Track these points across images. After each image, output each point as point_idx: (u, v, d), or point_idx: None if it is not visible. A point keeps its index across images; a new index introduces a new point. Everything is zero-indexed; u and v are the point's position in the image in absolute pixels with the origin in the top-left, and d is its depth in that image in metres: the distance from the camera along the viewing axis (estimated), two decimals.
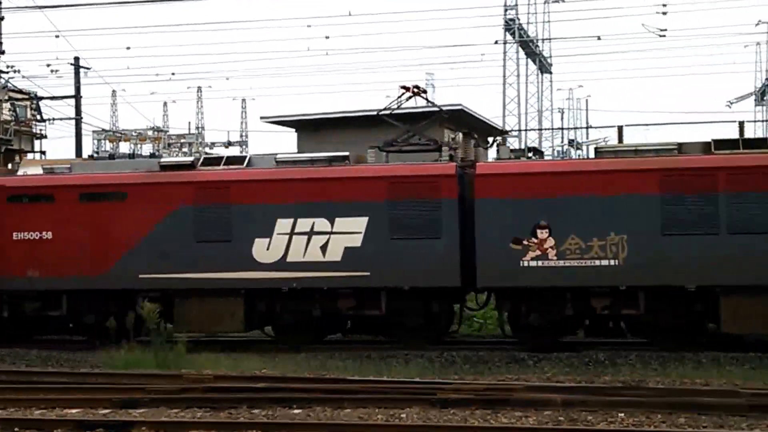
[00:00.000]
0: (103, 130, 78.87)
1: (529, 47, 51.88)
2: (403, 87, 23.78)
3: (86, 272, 22.33)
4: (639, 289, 20.31)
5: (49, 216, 22.64)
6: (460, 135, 36.72)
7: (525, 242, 20.50)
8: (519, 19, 49.77)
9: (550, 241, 20.41)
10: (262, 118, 42.53)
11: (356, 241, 21.22)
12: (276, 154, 22.85)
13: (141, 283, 22.19)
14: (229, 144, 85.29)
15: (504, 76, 50.06)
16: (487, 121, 45.40)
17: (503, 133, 48.18)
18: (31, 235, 22.70)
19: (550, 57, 56.61)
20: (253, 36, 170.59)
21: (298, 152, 38.88)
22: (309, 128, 39.19)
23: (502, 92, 50.12)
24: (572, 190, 20.48)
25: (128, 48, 76.31)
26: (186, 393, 15.19)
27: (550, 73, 57.76)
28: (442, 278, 20.95)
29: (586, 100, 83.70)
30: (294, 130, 41.18)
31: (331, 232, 21.32)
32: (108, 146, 77.85)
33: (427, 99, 24.21)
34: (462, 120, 40.08)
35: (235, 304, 21.92)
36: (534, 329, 20.98)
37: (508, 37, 49.80)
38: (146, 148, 74.54)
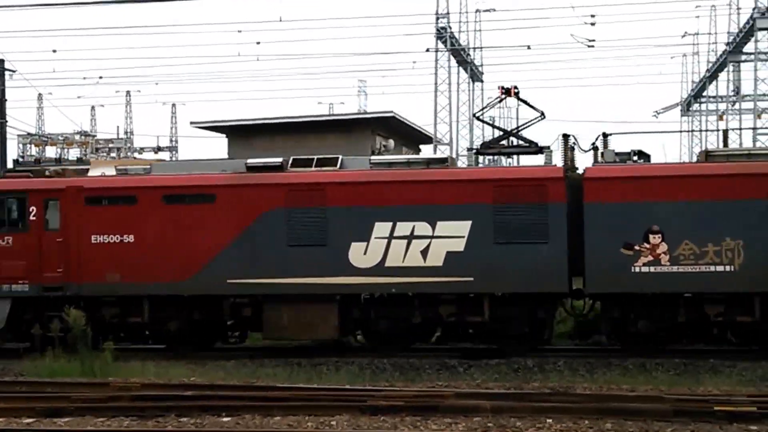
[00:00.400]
0: (29, 134, 77.50)
1: (461, 55, 52.15)
2: (502, 88, 23.02)
3: (170, 277, 21.41)
4: (755, 295, 19.82)
5: (130, 218, 21.65)
6: (392, 142, 36.80)
7: (637, 247, 19.97)
8: (450, 28, 50.00)
9: (663, 246, 19.86)
10: (192, 123, 42.19)
11: (459, 245, 20.53)
12: (369, 155, 22.20)
13: (229, 289, 21.33)
14: (158, 149, 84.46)
15: (435, 83, 50.31)
16: (418, 128, 45.53)
17: (431, 140, 48.40)
18: (112, 239, 21.67)
19: (482, 65, 57.00)
20: (182, 40, 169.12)
21: (229, 158, 38.74)
22: (240, 134, 38.94)
23: (434, 100, 50.32)
24: (686, 194, 19.95)
25: (54, 51, 75.14)
26: (112, 401, 14.99)
27: (482, 81, 58.14)
28: (549, 284, 20.36)
29: (517, 109, 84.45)
30: (225, 136, 40.94)
31: (433, 236, 20.62)
32: (34, 151, 76.67)
33: (524, 101, 23.34)
34: (393, 127, 40.19)
35: (328, 310, 21.11)
36: (642, 336, 20.46)
37: (440, 45, 50.03)
38: (73, 153, 73.55)
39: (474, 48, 54.86)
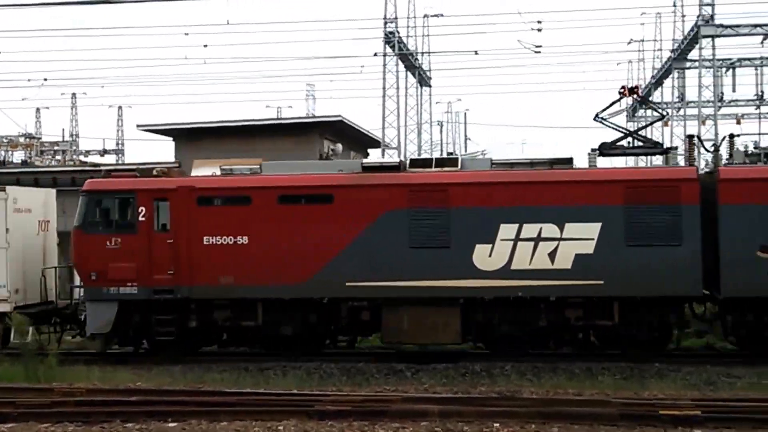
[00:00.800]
0: None
1: (409, 60, 52.23)
2: (624, 87, 22.58)
3: (285, 280, 20.82)
4: None
5: (245, 219, 21.06)
6: (340, 146, 36.76)
7: None
8: (399, 33, 50.06)
9: None
10: (139, 126, 41.90)
11: (588, 247, 20.18)
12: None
13: (347, 292, 20.82)
14: (104, 152, 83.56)
15: (384, 88, 50.30)
16: (366, 132, 45.61)
17: (379, 144, 48.46)
18: (225, 240, 21.03)
19: (430, 70, 57.11)
20: (129, 42, 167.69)
21: (175, 161, 38.50)
22: (187, 137, 38.78)
23: (382, 104, 50.34)
24: None
25: None
26: (57, 407, 14.79)
27: (430, 86, 58.27)
28: (682, 287, 20.01)
29: (465, 114, 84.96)
30: (171, 138, 40.71)
31: (561, 238, 20.24)
32: None
33: (647, 101, 22.71)
34: (342, 131, 40.19)
35: (450, 314, 20.67)
36: None
37: (388, 49, 50.08)
38: (17, 155, 72.51)
39: (422, 53, 54.96)
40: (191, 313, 21.38)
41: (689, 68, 54.08)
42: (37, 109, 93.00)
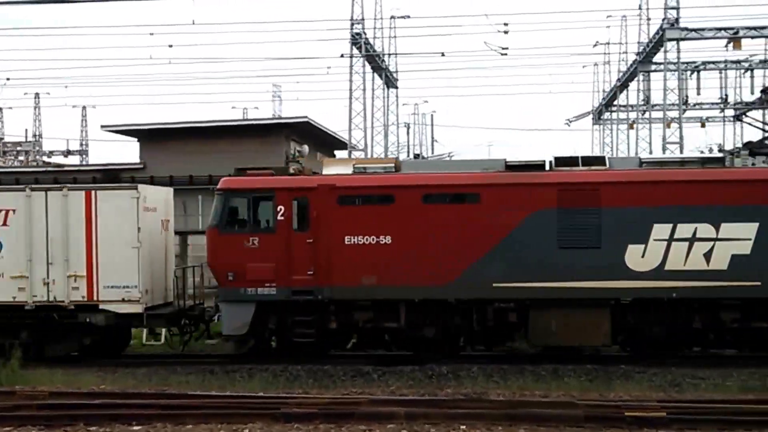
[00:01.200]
0: None
1: (376, 61, 52.21)
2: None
3: (429, 281, 20.37)
4: None
5: (387, 218, 20.53)
6: (306, 147, 36.66)
7: None
8: (365, 34, 50.02)
9: None
10: (103, 126, 41.64)
11: (745, 248, 19.73)
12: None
13: (494, 293, 20.33)
14: (68, 153, 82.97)
15: (350, 89, 50.24)
16: (333, 134, 45.59)
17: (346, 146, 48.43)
18: (367, 240, 20.51)
19: (396, 72, 57.14)
20: (93, 42, 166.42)
21: (140, 162, 38.29)
22: (152, 138, 38.59)
23: (349, 106, 50.27)
24: None
25: None
26: (19, 410, 14.65)
27: (396, 87, 58.29)
28: None
29: (431, 116, 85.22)
30: (136, 139, 40.48)
31: (716, 239, 19.79)
32: None
33: None
34: (308, 132, 40.14)
35: (600, 315, 20.27)
36: None
37: (355, 51, 50.04)
38: None
39: (389, 54, 54.97)
40: (330, 314, 20.93)
41: (654, 71, 54.45)
42: (0, 109, 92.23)
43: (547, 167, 20.85)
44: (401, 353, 21.36)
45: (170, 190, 24.35)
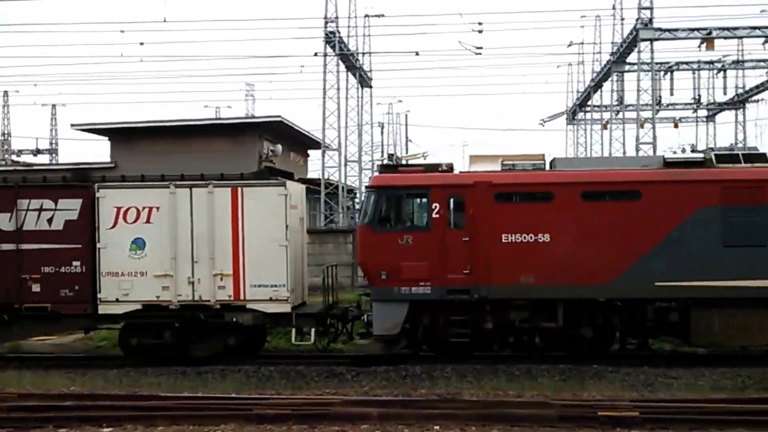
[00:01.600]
0: None
1: (350, 60, 52.05)
2: None
3: (588, 280, 20.14)
4: None
5: (546, 216, 20.30)
6: (279, 147, 36.52)
7: None
8: (339, 32, 49.86)
9: None
10: (73, 125, 41.27)
11: None
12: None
13: (655, 293, 20.09)
14: (37, 152, 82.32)
15: (324, 88, 50.05)
16: (306, 133, 45.45)
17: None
18: (524, 238, 20.25)
19: (371, 71, 56.98)
20: (62, 40, 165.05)
21: (111, 161, 38.02)
22: (123, 137, 38.33)
23: (322, 105, 50.10)
24: None
25: None
26: None
27: (370, 87, 58.13)
28: None
29: (406, 115, 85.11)
30: (107, 138, 40.19)
31: None
32: None
33: None
34: (281, 132, 39.99)
35: (765, 315, 20.00)
36: None
37: (329, 49, 49.89)
38: None
39: (363, 53, 54.82)
40: (486, 313, 20.70)
41: (628, 71, 54.60)
42: None
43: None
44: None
45: (304, 186, 24.17)
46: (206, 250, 21.11)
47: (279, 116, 38.73)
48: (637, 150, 45.99)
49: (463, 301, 20.52)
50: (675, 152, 28.36)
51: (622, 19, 57.53)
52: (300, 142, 46.13)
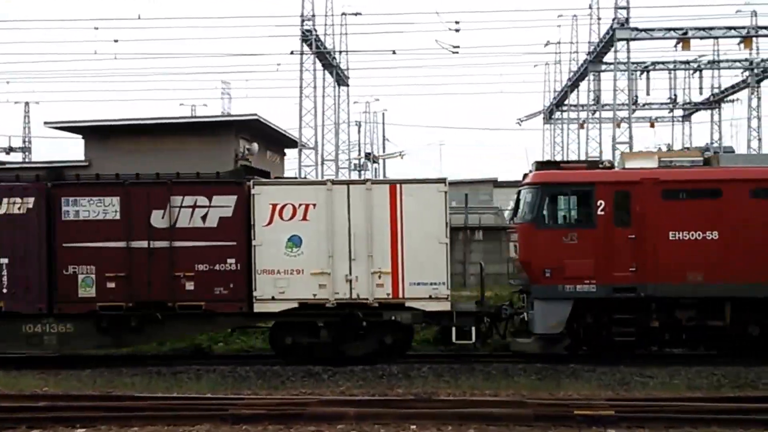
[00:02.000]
0: None
1: (326, 59, 52.03)
2: None
3: (757, 278, 20.02)
4: None
5: (714, 213, 20.16)
6: (255, 146, 36.35)
7: None
8: (316, 30, 49.83)
9: None
10: (46, 123, 40.93)
11: None
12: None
13: None
14: (10, 150, 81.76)
15: (301, 87, 50.01)
16: (283, 132, 45.27)
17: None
18: (692, 236, 20.14)
19: (347, 69, 56.97)
20: (35, 36, 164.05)
21: (85, 160, 37.76)
22: (98, 135, 38.05)
23: (299, 104, 50.04)
24: None
25: None
26: None
27: (347, 85, 58.11)
28: None
29: (383, 114, 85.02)
30: (81, 136, 39.90)
31: None
32: None
33: None
34: (257, 130, 39.82)
35: None
36: None
37: (305, 48, 49.82)
38: None
39: (339, 52, 54.80)
40: (652, 312, 20.52)
41: (605, 71, 54.86)
42: None
43: None
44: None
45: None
46: (364, 247, 20.80)
47: (255, 115, 38.53)
48: (614, 150, 46.18)
49: (628, 300, 20.46)
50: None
51: (599, 19, 57.87)
52: (276, 141, 45.94)
